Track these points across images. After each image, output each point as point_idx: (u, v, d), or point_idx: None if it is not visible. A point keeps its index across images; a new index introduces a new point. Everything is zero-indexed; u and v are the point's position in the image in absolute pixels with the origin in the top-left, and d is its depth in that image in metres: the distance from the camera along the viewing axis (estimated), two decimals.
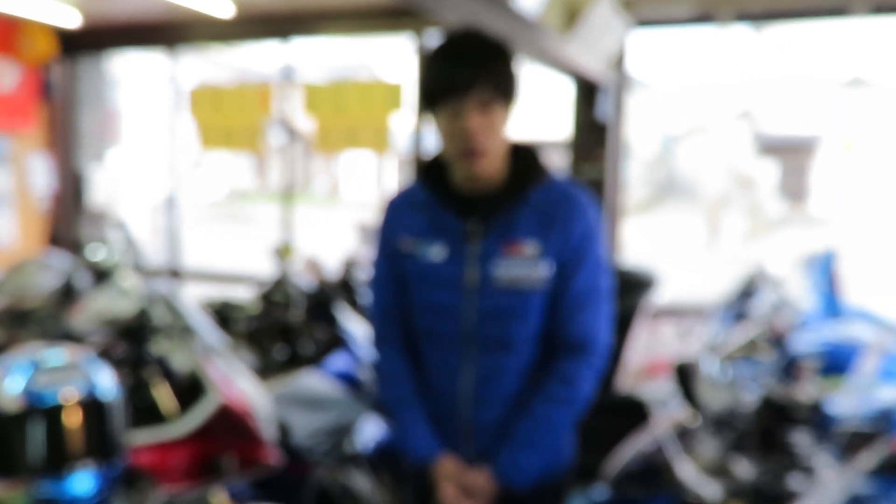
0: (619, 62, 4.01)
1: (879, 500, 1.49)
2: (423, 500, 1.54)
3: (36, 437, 1.28)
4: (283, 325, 3.00)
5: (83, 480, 1.31)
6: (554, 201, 1.41)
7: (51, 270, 3.21)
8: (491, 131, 1.34)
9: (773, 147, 18.75)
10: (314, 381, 2.61)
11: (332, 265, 3.68)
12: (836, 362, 2.38)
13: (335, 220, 13.99)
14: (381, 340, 1.54)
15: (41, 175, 5.11)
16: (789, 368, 2.45)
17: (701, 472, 1.70)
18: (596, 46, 3.45)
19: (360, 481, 2.64)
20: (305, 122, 4.87)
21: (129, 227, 3.08)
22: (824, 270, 3.17)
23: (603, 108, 4.02)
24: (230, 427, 2.10)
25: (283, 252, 3.36)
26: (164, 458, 1.98)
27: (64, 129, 5.20)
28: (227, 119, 4.78)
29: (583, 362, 1.42)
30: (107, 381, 1.38)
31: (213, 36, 4.86)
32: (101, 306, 2.72)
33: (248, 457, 2.11)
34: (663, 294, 3.62)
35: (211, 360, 2.24)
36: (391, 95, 4.32)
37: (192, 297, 3.04)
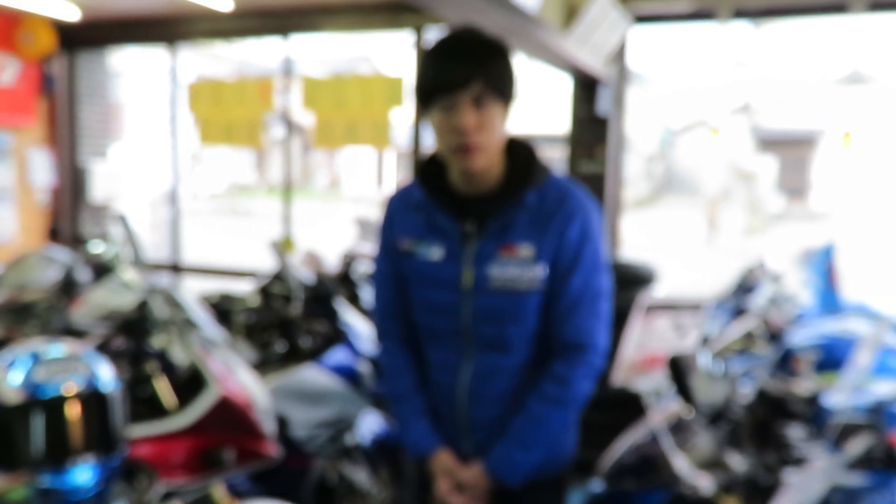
0: (618, 57, 4.01)
1: (873, 493, 1.50)
2: (420, 492, 1.56)
3: (36, 430, 1.30)
4: (283, 319, 3.01)
5: (83, 473, 1.32)
6: (550, 202, 1.41)
7: (51, 264, 3.22)
8: (485, 128, 1.34)
9: (772, 142, 18.74)
10: (313, 374, 2.62)
11: (331, 259, 3.69)
12: (833, 357, 2.39)
13: (335, 215, 13.99)
14: (383, 335, 1.57)
15: (42, 169, 5.12)
16: (785, 362, 2.47)
17: (695, 466, 1.72)
18: (595, 42, 3.46)
19: (359, 475, 2.66)
20: (305, 117, 4.87)
21: (130, 221, 3.08)
22: (822, 265, 3.17)
23: (602, 104, 4.03)
24: (230, 420, 2.11)
25: (282, 246, 3.37)
26: (164, 451, 1.99)
27: (64, 123, 5.20)
28: (227, 113, 4.78)
29: (578, 363, 1.42)
30: (107, 374, 1.40)
31: (212, 31, 4.86)
32: (101, 300, 2.73)
33: (247, 450, 2.12)
34: (661, 289, 3.63)
35: (211, 353, 2.25)
36: (391, 90, 4.32)
37: (192, 291, 3.05)
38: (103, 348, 2.24)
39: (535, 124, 10.92)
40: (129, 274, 2.96)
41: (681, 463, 1.71)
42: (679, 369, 1.73)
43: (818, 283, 3.17)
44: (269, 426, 2.21)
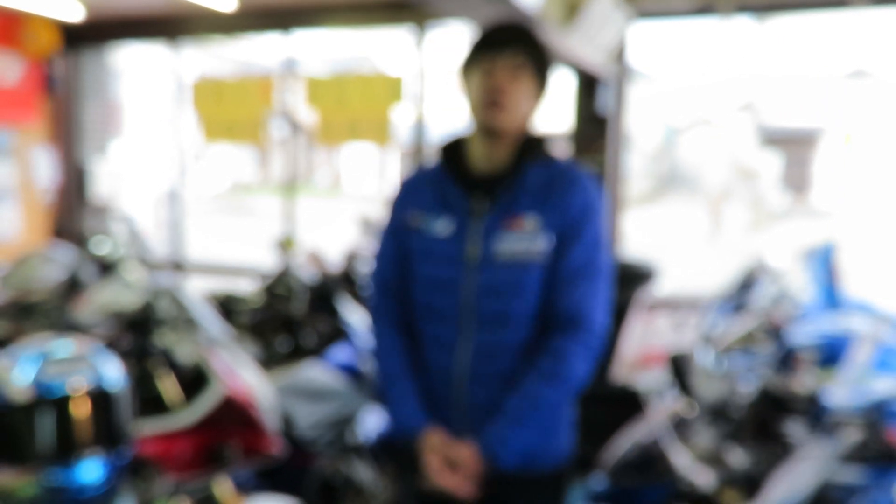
0: (619, 55, 4.02)
1: (870, 489, 1.51)
2: (409, 474, 1.51)
3: (45, 427, 1.31)
4: (286, 318, 3.03)
5: (91, 469, 1.34)
6: (554, 176, 1.46)
7: (55, 263, 3.24)
8: (517, 94, 1.43)
9: (775, 139, 18.71)
10: (316, 372, 2.64)
11: (333, 257, 3.70)
12: (834, 354, 2.40)
13: (336, 213, 14.01)
14: (377, 315, 1.56)
15: (45, 168, 5.14)
16: (786, 360, 2.47)
17: (696, 461, 1.73)
18: (596, 39, 3.46)
19: (363, 472, 2.67)
20: (307, 115, 4.88)
21: (135, 220, 3.10)
22: (824, 263, 3.17)
23: (603, 101, 4.03)
24: (234, 417, 2.13)
25: (285, 245, 3.39)
26: (169, 448, 2.01)
27: (67, 122, 5.22)
28: (229, 112, 4.80)
29: (575, 339, 1.41)
30: (114, 372, 1.41)
31: (214, 28, 4.88)
32: (105, 299, 2.75)
33: (251, 446, 2.14)
34: (663, 286, 3.64)
35: (215, 351, 2.27)
36: (392, 88, 4.34)
37: (196, 290, 3.07)
38: (108, 346, 2.25)
39: (538, 122, 10.90)
40: (133, 273, 2.98)
41: (682, 458, 1.72)
42: (680, 366, 1.74)
43: (820, 280, 3.17)
44: (272, 423, 2.22)
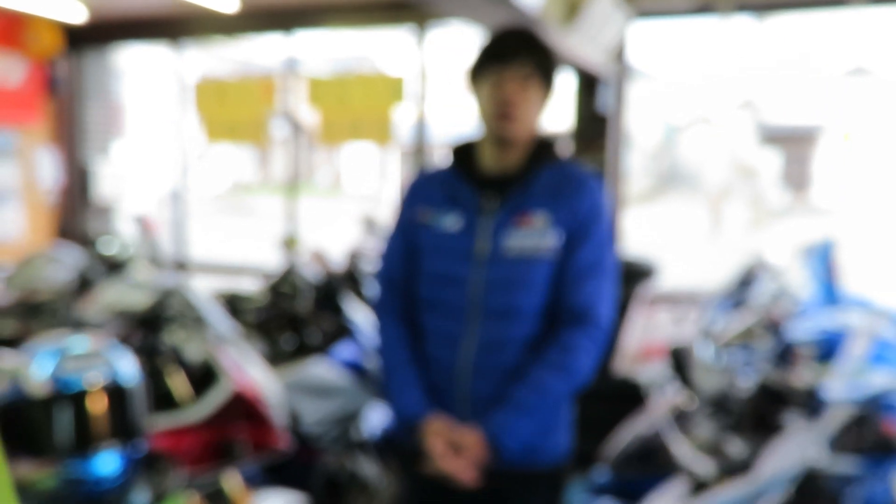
0: (619, 53, 4.04)
1: (866, 479, 1.54)
2: (412, 469, 1.51)
3: (63, 421, 1.35)
4: (291, 316, 3.07)
5: (108, 461, 1.37)
6: (564, 177, 1.50)
7: (59, 264, 3.27)
8: (527, 104, 1.46)
9: (775, 137, 18.71)
10: (321, 369, 2.67)
11: (336, 257, 3.73)
12: (832, 350, 2.42)
13: (337, 212, 14.03)
14: (382, 309, 1.58)
15: (48, 169, 5.16)
16: (785, 355, 2.51)
17: (696, 452, 1.76)
18: (596, 38, 3.49)
19: (367, 467, 2.70)
20: (309, 115, 4.91)
21: (149, 222, 3.13)
22: (823, 259, 3.20)
23: (604, 100, 4.06)
24: (242, 413, 2.16)
25: (289, 244, 3.42)
26: (179, 443, 2.04)
27: (70, 122, 5.24)
28: (231, 112, 4.83)
29: (583, 332, 1.45)
30: (129, 368, 1.45)
31: (216, 29, 4.90)
32: (111, 298, 2.78)
33: (259, 441, 2.17)
34: (664, 283, 3.68)
35: (223, 348, 2.31)
36: (393, 88, 4.37)
37: (205, 289, 3.10)
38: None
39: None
40: (142, 272, 3.01)
41: (683, 449, 1.76)
42: (680, 360, 1.78)
43: (819, 277, 3.20)
44: (280, 418, 2.26)
